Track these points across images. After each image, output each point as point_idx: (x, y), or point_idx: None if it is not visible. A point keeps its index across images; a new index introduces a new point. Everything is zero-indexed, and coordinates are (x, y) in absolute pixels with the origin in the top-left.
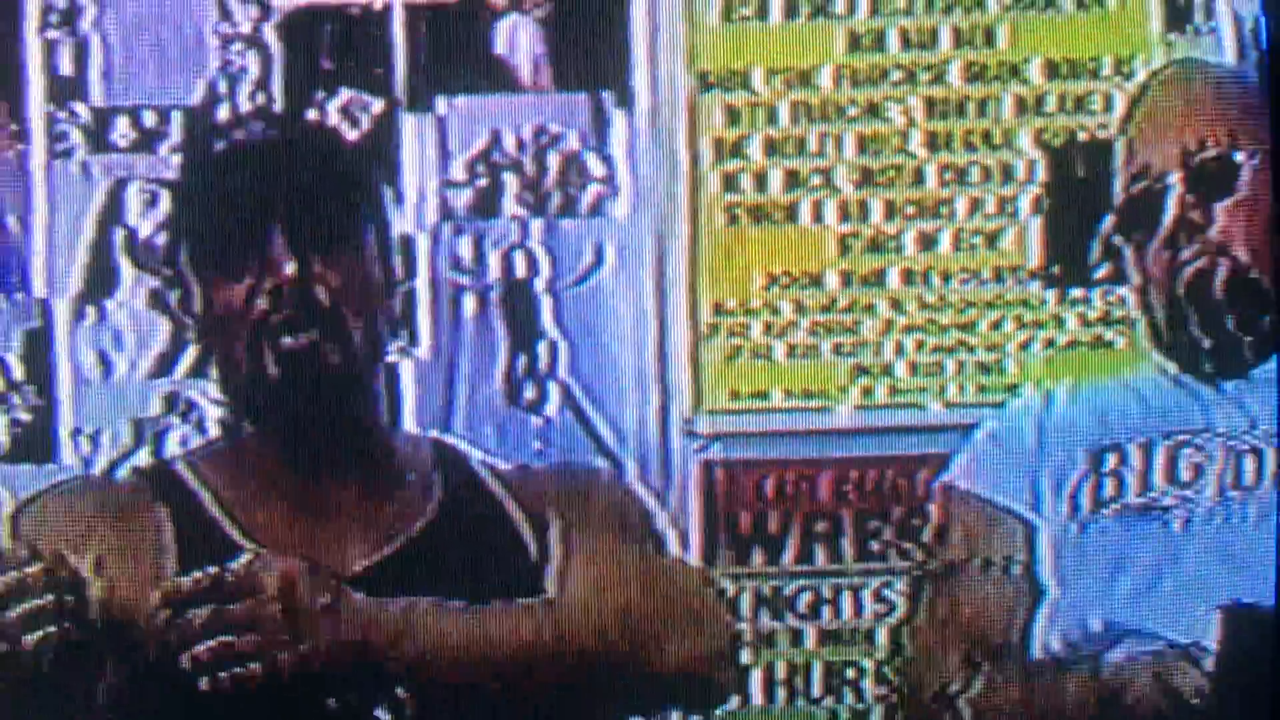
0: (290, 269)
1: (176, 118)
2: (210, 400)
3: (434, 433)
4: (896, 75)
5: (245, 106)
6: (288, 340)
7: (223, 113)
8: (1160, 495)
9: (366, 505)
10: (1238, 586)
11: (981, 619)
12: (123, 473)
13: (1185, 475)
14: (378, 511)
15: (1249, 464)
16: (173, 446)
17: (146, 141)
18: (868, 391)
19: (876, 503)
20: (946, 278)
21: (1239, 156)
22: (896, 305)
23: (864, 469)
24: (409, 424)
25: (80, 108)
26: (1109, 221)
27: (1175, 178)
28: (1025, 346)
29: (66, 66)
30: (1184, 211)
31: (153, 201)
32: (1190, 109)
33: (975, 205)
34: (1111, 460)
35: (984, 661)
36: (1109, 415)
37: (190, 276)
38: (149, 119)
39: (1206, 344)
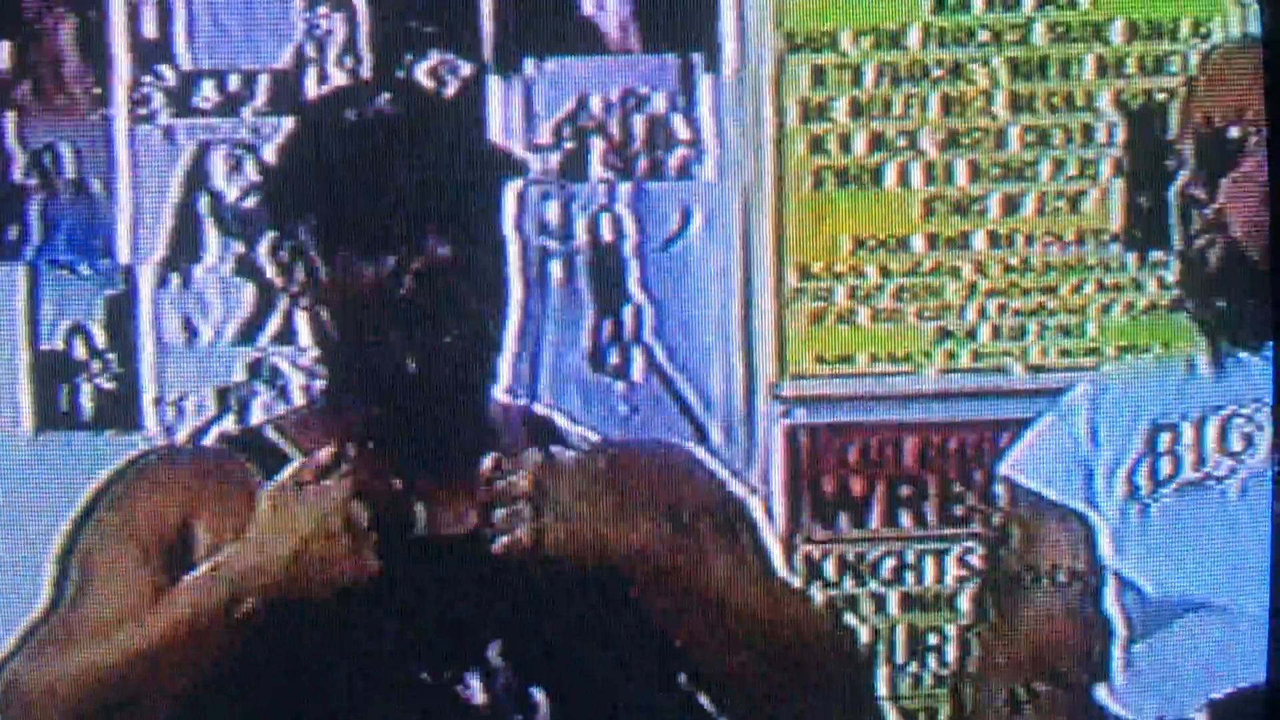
0: (445, 251)
1: (263, 81)
2: (296, 366)
3: (524, 402)
4: (982, 35)
5: (333, 70)
6: (441, 340)
7: (311, 76)
8: (1215, 466)
9: (459, 471)
10: None
11: (1044, 645)
12: (209, 440)
13: (1237, 445)
14: (470, 478)
15: None
16: (257, 414)
17: (232, 105)
18: (952, 355)
19: (960, 467)
20: (1030, 241)
21: (1234, 132)
22: (980, 269)
23: (947, 433)
24: (497, 392)
25: (165, 70)
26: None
27: (1189, 150)
28: (1107, 310)
29: (151, 29)
30: (1187, 185)
31: (238, 166)
32: (1220, 85)
33: (1058, 168)
34: (1166, 439)
35: (1029, 702)
36: (1162, 395)
37: (314, 249)
38: (234, 83)
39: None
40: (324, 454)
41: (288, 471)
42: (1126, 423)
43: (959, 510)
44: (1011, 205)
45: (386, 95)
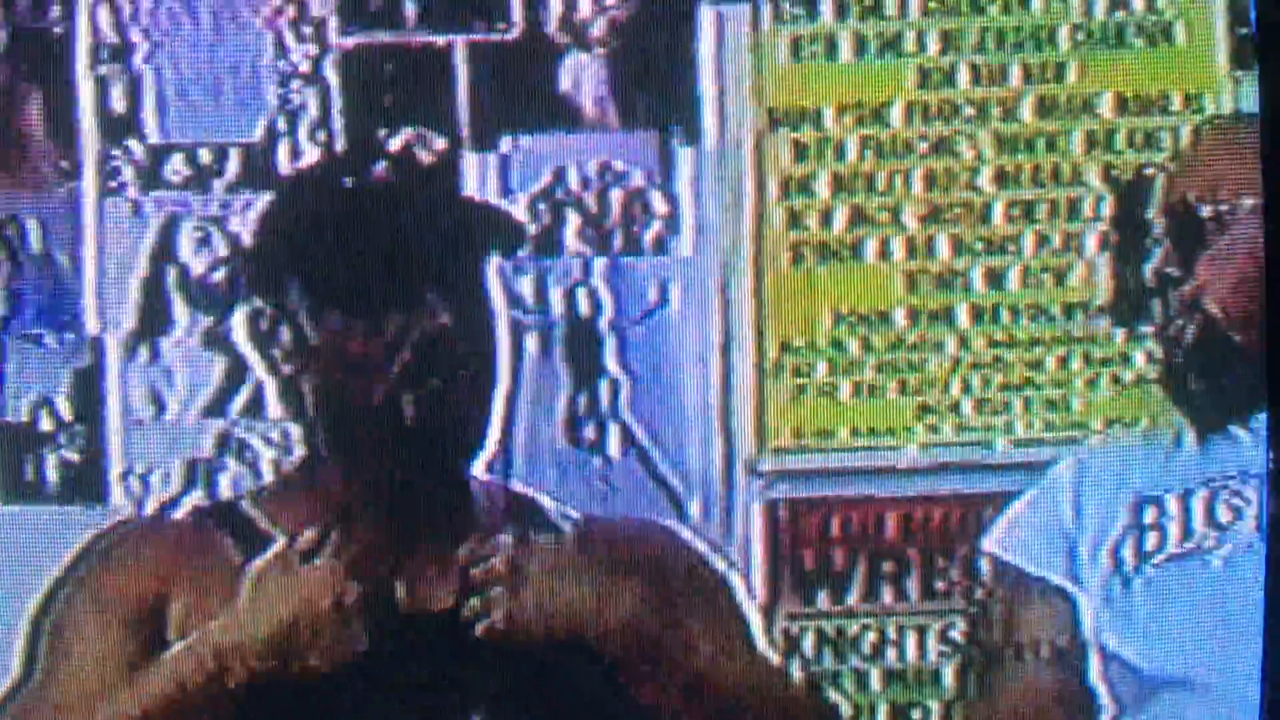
0: (445, 318)
1: (234, 155)
2: (265, 440)
3: (502, 479)
4: (968, 110)
5: (305, 144)
6: (435, 381)
7: (283, 150)
8: (1201, 539)
9: (441, 547)
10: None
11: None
12: (180, 513)
13: (1224, 518)
14: (451, 554)
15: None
16: (225, 487)
17: (201, 179)
18: (934, 429)
19: (943, 541)
20: (1015, 314)
21: (1208, 209)
22: (964, 343)
23: (930, 507)
24: (476, 467)
25: (134, 144)
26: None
27: (1165, 228)
28: (1092, 384)
29: (119, 103)
30: (1163, 264)
31: (206, 239)
32: (1204, 161)
33: (1042, 241)
34: (1151, 513)
35: None
36: (1147, 468)
37: (304, 315)
38: (204, 156)
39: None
40: (309, 535)
41: (272, 551)
42: (1111, 496)
43: (941, 585)
44: (995, 279)
45: (383, 164)
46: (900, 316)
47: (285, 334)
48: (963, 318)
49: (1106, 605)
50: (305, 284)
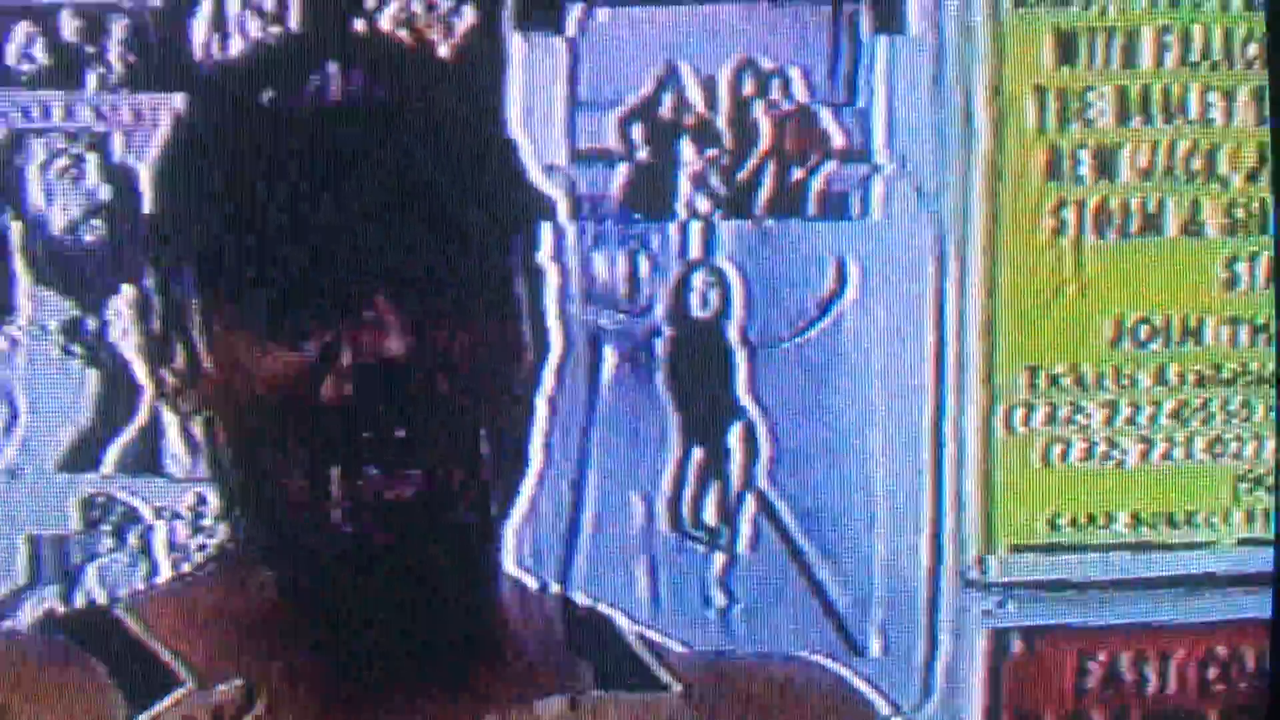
0: (397, 346)
1: (119, 28)
2: (159, 512)
3: (557, 587)
4: None
5: (235, 9)
6: (389, 494)
7: (202, 18)
8: None
9: (450, 699)
10: None
11: None
12: (20, 623)
13: None
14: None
15: None
16: (97, 587)
17: (67, 67)
18: (1259, 517)
19: (1258, 694)
20: None
21: None
22: None
23: (1245, 639)
24: (509, 565)
25: None
26: None
27: None
28: None
29: None
30: None
31: (76, 170)
32: None
33: None
34: None
35: None
36: None
37: (195, 319)
38: (70, 29)
39: None
40: (224, 690)
41: (160, 708)
42: None
43: None
44: None
45: (334, 66)
46: (1214, 330)
47: (178, 344)
48: None
49: None
50: (200, 271)
